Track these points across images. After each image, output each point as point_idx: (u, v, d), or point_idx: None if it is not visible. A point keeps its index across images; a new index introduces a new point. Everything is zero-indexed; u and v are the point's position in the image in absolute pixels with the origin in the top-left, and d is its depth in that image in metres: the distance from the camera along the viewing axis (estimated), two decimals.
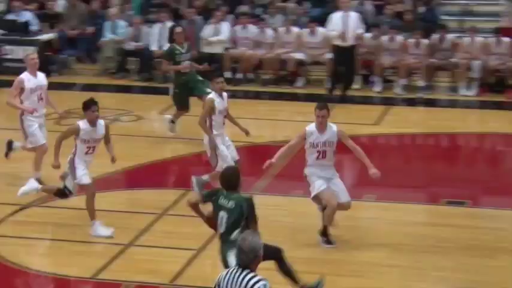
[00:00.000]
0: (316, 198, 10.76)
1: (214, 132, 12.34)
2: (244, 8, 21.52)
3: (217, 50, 20.16)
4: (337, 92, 18.63)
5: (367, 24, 19.87)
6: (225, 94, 12.56)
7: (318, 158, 10.86)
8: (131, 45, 20.44)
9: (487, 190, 13.22)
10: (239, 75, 20.07)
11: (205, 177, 12.54)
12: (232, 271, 6.87)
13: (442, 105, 18.49)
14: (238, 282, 6.80)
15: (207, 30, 20.20)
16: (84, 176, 11.37)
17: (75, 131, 11.40)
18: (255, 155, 14.57)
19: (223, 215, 9.27)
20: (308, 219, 11.39)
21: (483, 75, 18.96)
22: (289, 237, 10.89)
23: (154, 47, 20.23)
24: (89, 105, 11.34)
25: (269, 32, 20.18)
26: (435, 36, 19.31)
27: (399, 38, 19.47)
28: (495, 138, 16.78)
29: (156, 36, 20.34)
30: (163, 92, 17.54)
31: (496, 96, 18.88)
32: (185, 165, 14.32)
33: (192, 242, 11.27)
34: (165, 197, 12.74)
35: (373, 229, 12.01)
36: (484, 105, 18.41)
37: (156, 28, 20.37)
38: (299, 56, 19.71)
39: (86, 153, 11.46)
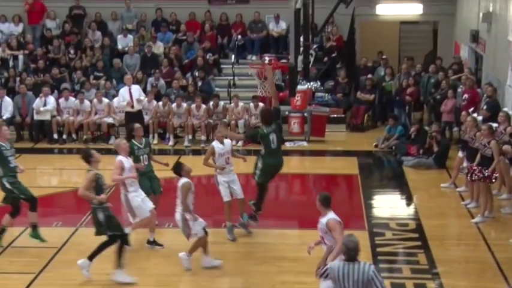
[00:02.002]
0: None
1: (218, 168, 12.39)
2: (66, 85, 20.93)
3: (46, 117, 19.68)
4: None
5: (160, 94, 19.87)
6: (227, 141, 12.51)
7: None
8: None
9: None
10: (64, 136, 19.52)
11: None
12: (343, 266, 7.10)
13: None
14: (356, 270, 7.03)
15: (37, 102, 19.43)
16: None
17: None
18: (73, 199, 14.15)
19: (273, 137, 11.86)
20: None
21: (247, 131, 19.11)
22: None
23: None
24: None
25: (86, 102, 19.84)
26: (211, 103, 19.37)
27: (184, 104, 19.53)
28: None
29: None
30: None
31: (257, 146, 18.83)
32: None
33: (32, 267, 10.89)
34: (10, 232, 11.98)
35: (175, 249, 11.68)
36: (250, 152, 18.16)
37: None
38: (110, 120, 19.43)
39: None
